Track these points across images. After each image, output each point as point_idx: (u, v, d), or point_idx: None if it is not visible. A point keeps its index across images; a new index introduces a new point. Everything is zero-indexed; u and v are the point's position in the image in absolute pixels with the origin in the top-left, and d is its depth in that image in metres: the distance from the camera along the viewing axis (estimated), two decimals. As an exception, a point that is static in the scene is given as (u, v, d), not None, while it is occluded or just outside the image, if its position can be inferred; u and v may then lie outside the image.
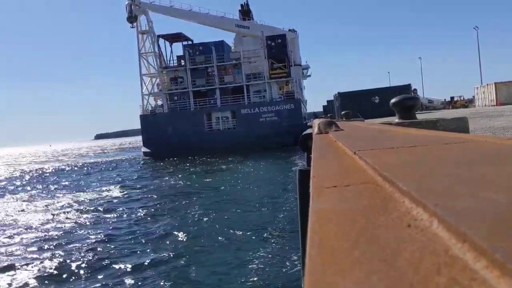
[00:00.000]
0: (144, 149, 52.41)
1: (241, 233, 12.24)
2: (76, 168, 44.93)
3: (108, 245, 11.93)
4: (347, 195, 1.14)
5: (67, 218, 16.21)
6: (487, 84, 52.73)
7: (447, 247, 0.63)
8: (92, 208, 17.81)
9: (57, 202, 20.27)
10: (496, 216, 0.70)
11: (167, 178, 27.86)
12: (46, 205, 19.59)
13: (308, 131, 6.21)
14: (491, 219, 0.68)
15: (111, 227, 14.09)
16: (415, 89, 58.48)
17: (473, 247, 0.58)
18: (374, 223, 0.83)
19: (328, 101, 66.35)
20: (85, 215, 16.47)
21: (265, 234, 11.89)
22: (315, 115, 60.56)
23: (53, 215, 16.79)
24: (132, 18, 52.37)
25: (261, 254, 10.15)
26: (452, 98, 65.66)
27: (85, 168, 43.76)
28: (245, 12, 61.36)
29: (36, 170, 46.82)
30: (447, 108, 59.50)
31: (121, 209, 17.31)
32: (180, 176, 28.39)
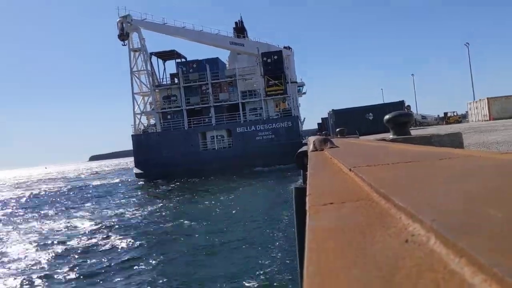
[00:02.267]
0: (136, 171, 50.23)
1: (239, 253, 12.12)
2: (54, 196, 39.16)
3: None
4: (344, 212, 1.14)
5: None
6: (480, 100, 53.21)
7: (445, 263, 0.62)
8: (65, 243, 15.98)
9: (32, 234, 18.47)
10: (493, 231, 0.69)
11: (159, 203, 26.30)
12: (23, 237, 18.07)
13: (304, 148, 6.23)
14: (488, 234, 0.68)
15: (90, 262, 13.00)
16: (408, 106, 58.80)
17: (471, 262, 0.58)
18: (371, 240, 0.83)
19: (322, 119, 66.57)
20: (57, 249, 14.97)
21: (263, 254, 11.76)
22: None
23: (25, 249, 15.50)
24: (123, 36, 51.19)
25: (260, 274, 10.06)
26: (445, 113, 66.12)
27: (68, 194, 39.66)
28: (240, 30, 60.75)
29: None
30: (440, 124, 59.88)
31: (104, 242, 15.69)
32: (173, 200, 27.08)
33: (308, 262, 0.74)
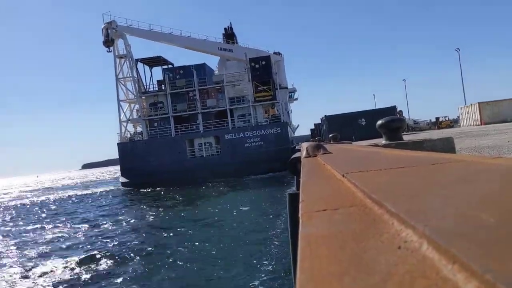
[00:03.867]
0: (122, 179, 49.02)
1: (229, 264, 11.92)
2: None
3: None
4: (337, 219, 1.13)
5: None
6: (471, 104, 53.70)
7: (437, 269, 0.62)
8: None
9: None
10: (485, 236, 0.69)
11: (145, 212, 25.02)
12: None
13: (297, 154, 6.25)
14: (480, 239, 0.68)
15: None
16: (400, 111, 59.23)
17: (463, 268, 0.58)
18: (364, 247, 0.82)
19: (315, 124, 66.82)
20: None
21: (256, 265, 11.58)
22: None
23: None
24: (108, 42, 50.44)
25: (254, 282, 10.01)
26: (437, 118, 66.69)
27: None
28: (229, 36, 60.37)
29: None
30: (432, 129, 60.29)
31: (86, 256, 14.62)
32: (160, 210, 25.94)
33: (300, 269, 0.73)
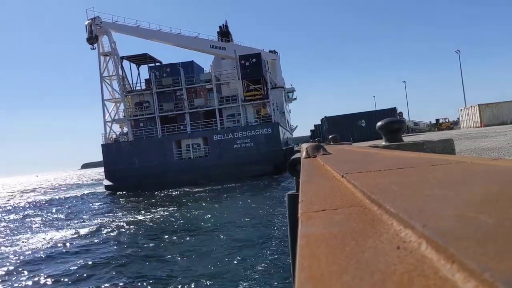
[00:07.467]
0: (106, 182, 46.50)
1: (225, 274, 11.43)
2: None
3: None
4: (336, 219, 1.14)
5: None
6: (471, 106, 53.73)
7: (436, 269, 0.62)
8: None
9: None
10: (484, 236, 0.70)
11: (131, 218, 23.15)
12: None
13: (297, 155, 6.25)
14: (479, 239, 0.68)
15: None
16: (400, 112, 59.18)
17: (462, 268, 0.58)
18: (363, 246, 0.82)
19: (315, 125, 66.72)
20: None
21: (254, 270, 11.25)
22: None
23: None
24: (92, 39, 48.02)
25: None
26: (437, 120, 66.71)
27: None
28: (224, 34, 58.87)
29: None
30: (432, 130, 60.31)
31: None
32: (145, 214, 24.31)
33: (300, 268, 0.74)
